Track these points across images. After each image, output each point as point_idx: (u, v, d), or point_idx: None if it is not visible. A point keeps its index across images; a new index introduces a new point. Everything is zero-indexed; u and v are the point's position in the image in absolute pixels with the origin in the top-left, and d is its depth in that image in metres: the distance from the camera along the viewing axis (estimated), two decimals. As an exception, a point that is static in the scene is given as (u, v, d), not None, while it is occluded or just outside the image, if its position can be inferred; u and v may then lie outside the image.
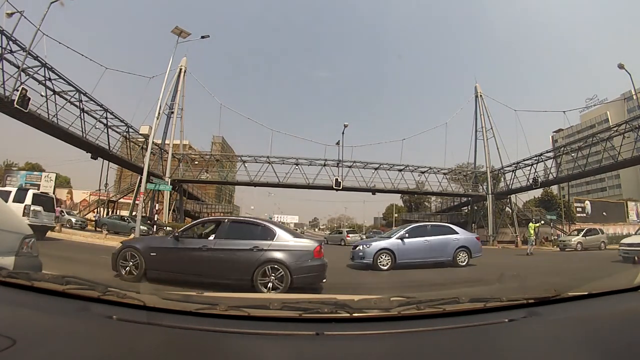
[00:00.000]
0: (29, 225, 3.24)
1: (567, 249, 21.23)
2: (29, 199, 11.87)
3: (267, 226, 5.99)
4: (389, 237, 10.21)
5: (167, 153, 30.39)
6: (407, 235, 9.89)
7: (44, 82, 20.60)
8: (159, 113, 18.25)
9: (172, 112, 31.39)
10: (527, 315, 1.29)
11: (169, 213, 30.01)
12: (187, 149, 40.61)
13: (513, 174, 32.49)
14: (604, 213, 35.71)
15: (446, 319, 1.24)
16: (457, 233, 10.46)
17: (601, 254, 17.99)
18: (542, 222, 29.85)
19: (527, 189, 32.76)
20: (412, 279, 8.17)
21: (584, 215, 36.28)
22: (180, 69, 31.63)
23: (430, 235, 10.05)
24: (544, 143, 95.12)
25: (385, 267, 9.15)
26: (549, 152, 31.09)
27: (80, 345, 0.96)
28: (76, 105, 22.88)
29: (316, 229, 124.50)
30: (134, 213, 25.19)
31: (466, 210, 40.94)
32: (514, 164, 32.57)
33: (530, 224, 19.27)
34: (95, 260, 8.82)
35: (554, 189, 41.67)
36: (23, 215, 10.98)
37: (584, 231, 22.89)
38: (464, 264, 9.88)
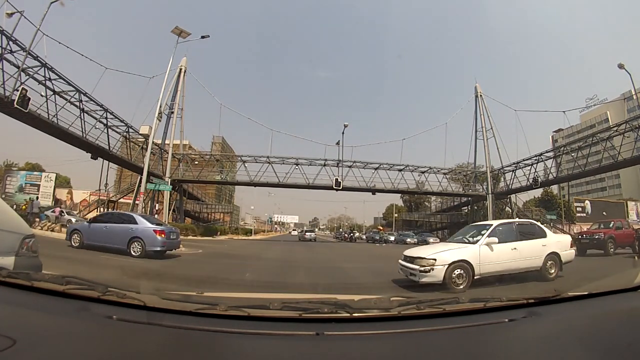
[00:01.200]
0: None
1: None
2: None
3: None
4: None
5: (167, 153, 30.38)
6: (92, 220, 11.28)
7: (44, 82, 20.57)
8: (159, 113, 18.27)
9: (172, 112, 31.35)
10: (527, 315, 1.29)
11: (169, 213, 29.96)
12: (187, 149, 40.60)
13: (513, 174, 32.47)
14: (604, 213, 35.67)
15: (446, 319, 1.24)
16: (136, 223, 10.17)
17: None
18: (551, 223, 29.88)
19: (527, 189, 32.73)
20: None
21: (584, 215, 36.28)
22: (180, 69, 31.60)
23: (111, 222, 10.54)
24: (544, 143, 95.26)
25: (75, 245, 10.45)
26: (549, 152, 31.05)
27: (80, 345, 0.95)
28: (76, 105, 22.86)
29: (316, 229, 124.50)
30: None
31: (466, 210, 40.93)
32: (514, 164, 32.54)
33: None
34: (95, 260, 8.82)
35: (554, 188, 41.69)
36: None
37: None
38: (137, 254, 9.53)
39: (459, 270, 6.03)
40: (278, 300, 1.42)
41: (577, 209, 37.12)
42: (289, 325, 1.15)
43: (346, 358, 0.99)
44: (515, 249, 6.63)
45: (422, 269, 6.01)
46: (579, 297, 1.51)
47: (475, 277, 6.09)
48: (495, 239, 6.53)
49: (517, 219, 8.43)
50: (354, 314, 1.22)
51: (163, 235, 10.04)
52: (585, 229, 20.76)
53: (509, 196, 34.17)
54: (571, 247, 7.46)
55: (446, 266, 5.97)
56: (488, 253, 6.38)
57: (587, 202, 38.83)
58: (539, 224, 7.75)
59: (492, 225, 7.08)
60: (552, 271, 6.91)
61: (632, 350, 1.03)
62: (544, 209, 37.92)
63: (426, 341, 1.09)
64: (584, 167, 26.75)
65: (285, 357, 0.97)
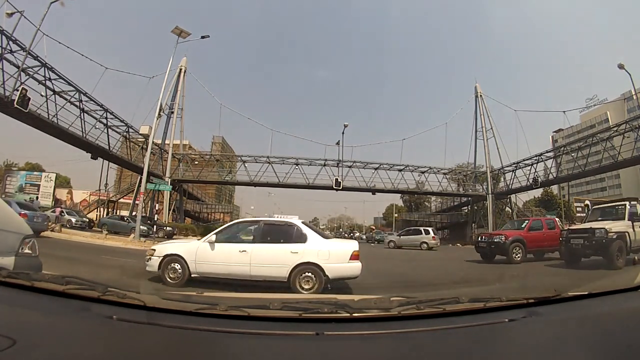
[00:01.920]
0: None
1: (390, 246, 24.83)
2: None
3: None
4: None
5: (167, 153, 30.40)
6: None
7: (44, 82, 20.60)
8: (159, 113, 18.28)
9: (172, 112, 31.40)
10: (527, 315, 1.29)
11: (169, 213, 30.01)
12: (187, 149, 40.61)
13: (513, 174, 32.52)
14: (604, 213, 35.63)
15: (446, 319, 1.24)
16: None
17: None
18: None
19: (527, 189, 32.77)
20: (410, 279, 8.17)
21: (584, 215, 36.21)
22: (180, 69, 31.65)
23: None
24: (544, 143, 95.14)
25: None
26: (549, 152, 31.11)
27: (80, 345, 0.96)
28: (76, 105, 22.89)
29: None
30: (134, 213, 25.19)
31: (466, 210, 40.95)
32: (514, 164, 32.59)
33: None
34: (95, 260, 8.83)
35: (554, 188, 41.70)
36: None
37: (403, 231, 26.09)
38: None
39: (174, 264, 5.78)
40: (278, 300, 1.42)
41: (577, 208, 37.07)
42: (289, 325, 1.15)
43: (346, 358, 0.99)
44: (244, 251, 5.69)
45: (146, 257, 6.04)
46: (579, 297, 1.51)
47: (192, 275, 5.74)
48: (214, 237, 5.92)
49: (269, 218, 7.07)
50: (353, 314, 1.22)
51: (25, 218, 11.50)
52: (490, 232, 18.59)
53: (509, 196, 34.20)
54: (353, 259, 5.69)
55: (161, 258, 5.84)
56: (207, 252, 5.82)
57: (587, 202, 38.78)
58: (303, 226, 6.03)
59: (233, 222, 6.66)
60: (308, 287, 5.45)
61: (632, 351, 1.03)
62: (544, 209, 37.94)
63: (426, 341, 1.09)
64: (584, 167, 26.77)
65: (285, 357, 0.98)
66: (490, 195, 32.97)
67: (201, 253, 5.83)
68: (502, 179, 34.85)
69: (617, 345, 1.08)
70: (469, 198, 37.29)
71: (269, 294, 3.56)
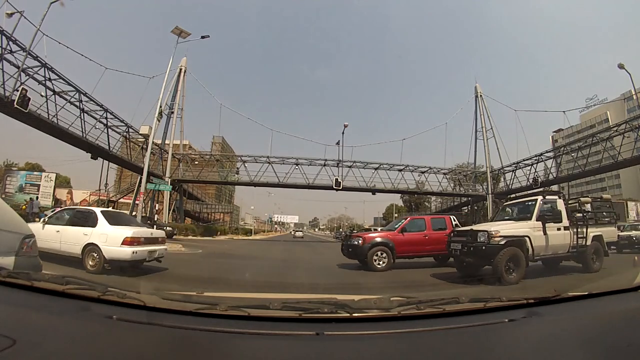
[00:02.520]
0: None
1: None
2: None
3: None
4: None
5: (167, 153, 30.37)
6: None
7: (44, 82, 20.56)
8: (159, 113, 18.26)
9: (172, 112, 31.37)
10: (527, 315, 1.29)
11: (169, 213, 29.97)
12: (187, 149, 40.58)
13: (513, 174, 32.50)
14: (604, 213, 35.53)
15: (446, 319, 1.24)
16: None
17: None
18: None
19: (527, 189, 32.70)
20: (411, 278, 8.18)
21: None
22: (180, 69, 31.61)
23: None
24: (544, 143, 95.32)
25: None
26: (549, 152, 31.08)
27: (81, 345, 0.95)
28: (76, 105, 22.85)
29: (316, 229, 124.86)
30: (134, 213, 25.16)
31: (466, 210, 40.92)
32: (514, 164, 32.57)
33: None
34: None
35: (554, 189, 41.62)
36: None
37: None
38: None
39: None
40: (278, 300, 1.42)
41: (577, 209, 36.98)
42: (289, 325, 1.15)
43: (346, 358, 0.99)
44: (58, 232, 7.15)
45: None
46: (579, 297, 1.51)
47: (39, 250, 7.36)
48: (45, 219, 7.64)
49: (81, 207, 9.05)
50: (354, 314, 1.22)
51: None
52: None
53: (508, 196, 34.15)
54: (125, 244, 6.64)
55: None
56: (40, 231, 6.77)
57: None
58: (98, 213, 7.25)
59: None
60: (92, 263, 6.68)
61: (632, 350, 1.03)
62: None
63: (426, 341, 1.09)
64: (584, 167, 26.75)
65: (285, 357, 0.98)
66: (490, 195, 32.95)
67: (37, 232, 7.04)
68: (502, 179, 34.84)
69: (617, 345, 1.08)
70: (469, 198, 37.27)
71: (269, 294, 3.57)
